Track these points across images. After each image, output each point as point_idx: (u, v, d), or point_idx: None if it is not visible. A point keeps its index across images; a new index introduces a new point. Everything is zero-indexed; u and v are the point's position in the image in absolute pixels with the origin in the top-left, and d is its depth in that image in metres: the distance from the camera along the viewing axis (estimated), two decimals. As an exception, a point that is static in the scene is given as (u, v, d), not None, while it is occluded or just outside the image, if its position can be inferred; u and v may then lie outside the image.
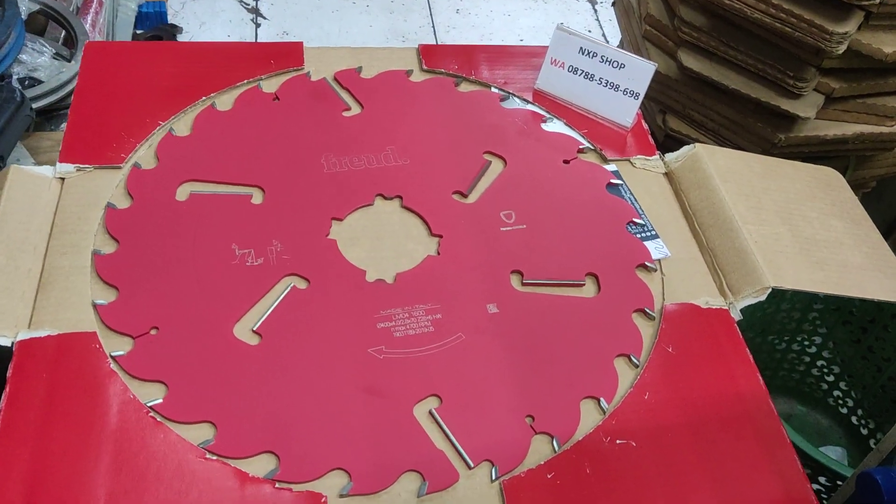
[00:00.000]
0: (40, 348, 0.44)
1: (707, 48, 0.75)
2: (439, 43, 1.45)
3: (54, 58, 0.97)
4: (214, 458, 0.41)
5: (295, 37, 1.42)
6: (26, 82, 0.93)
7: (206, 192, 0.54)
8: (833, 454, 0.83)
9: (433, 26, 1.49)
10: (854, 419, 0.81)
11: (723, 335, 0.50)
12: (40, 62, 0.95)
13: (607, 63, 0.61)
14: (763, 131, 0.75)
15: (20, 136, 0.84)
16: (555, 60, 0.63)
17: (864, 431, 0.80)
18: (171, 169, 0.55)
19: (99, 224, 0.51)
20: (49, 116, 0.94)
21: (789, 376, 0.84)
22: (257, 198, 0.54)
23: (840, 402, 0.82)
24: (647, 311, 0.51)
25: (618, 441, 0.44)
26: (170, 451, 0.41)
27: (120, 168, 0.54)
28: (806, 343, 0.83)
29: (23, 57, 0.93)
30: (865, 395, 0.79)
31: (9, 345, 0.44)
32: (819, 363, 0.82)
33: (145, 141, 0.56)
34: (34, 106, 0.91)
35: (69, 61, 0.97)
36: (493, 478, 0.42)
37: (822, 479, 0.60)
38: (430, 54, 0.67)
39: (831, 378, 0.82)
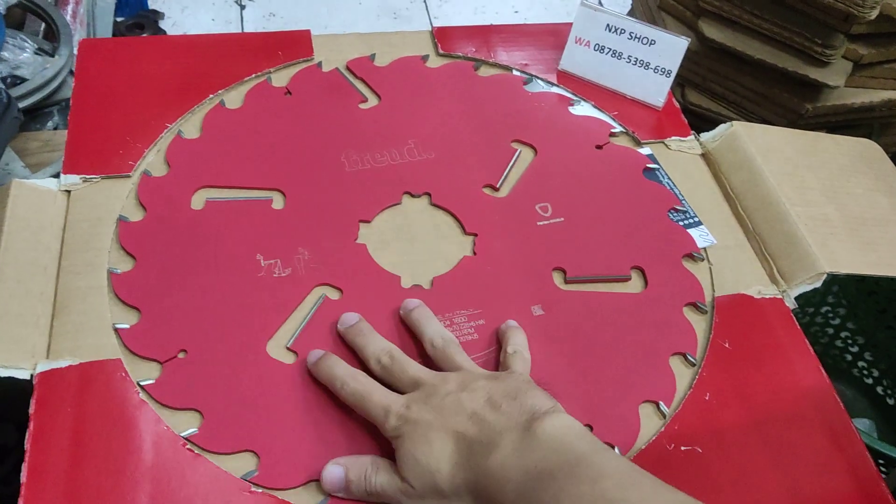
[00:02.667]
0: (62, 380, 0.41)
1: (729, 17, 0.72)
2: (432, 18, 1.40)
3: (37, 53, 0.92)
4: (260, 490, 0.39)
5: (282, 18, 1.37)
6: (8, 80, 0.89)
7: (222, 199, 0.50)
8: (861, 426, 0.82)
9: (424, 1, 1.44)
10: (880, 389, 0.80)
11: (779, 326, 0.48)
12: (23, 59, 0.90)
13: (636, 40, 0.58)
14: (789, 102, 0.72)
15: (10, 139, 0.80)
16: (579, 39, 0.60)
17: (891, 402, 0.79)
18: (183, 175, 0.51)
19: (112, 239, 0.48)
20: (34, 115, 0.90)
21: (812, 348, 0.83)
22: (278, 202, 0.51)
23: (865, 372, 0.81)
24: (699, 304, 0.48)
25: (682, 448, 0.42)
26: (212, 486, 0.39)
27: (129, 177, 0.51)
28: (830, 315, 0.81)
29: (4, 54, 0.88)
30: (891, 365, 0.78)
31: (28, 377, 0.41)
32: (843, 334, 0.81)
33: (153, 145, 0.53)
34: (20, 106, 0.87)
35: (52, 56, 0.92)
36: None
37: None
38: (444, 37, 0.63)
39: (855, 349, 0.80)
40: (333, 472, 0.38)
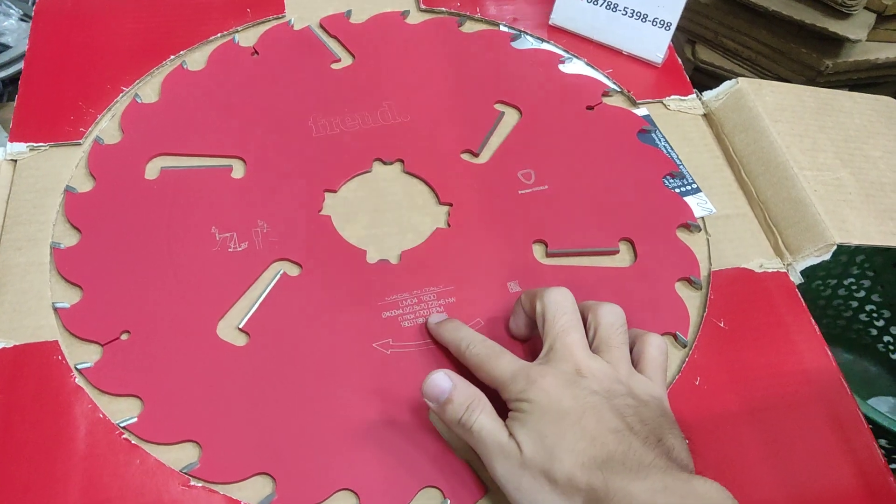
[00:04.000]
0: (-5, 363, 0.38)
1: (742, -34, 0.66)
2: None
3: (22, 20, 0.89)
4: (200, 484, 0.36)
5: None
6: (-7, 48, 0.86)
7: (179, 167, 0.47)
8: (884, 406, 0.78)
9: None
10: (905, 366, 0.75)
11: (782, 303, 0.43)
12: (7, 25, 0.87)
13: (633, -11, 0.53)
14: (807, 58, 0.67)
15: (-12, 108, 0.77)
16: (571, -10, 0.55)
17: (918, 380, 0.74)
18: (138, 142, 0.48)
19: (58, 212, 0.45)
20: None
21: (835, 323, 0.78)
22: (238, 171, 0.47)
23: (891, 347, 0.76)
24: (693, 279, 0.44)
25: (668, 438, 0.38)
26: (148, 478, 0.36)
27: (80, 144, 0.47)
28: (854, 287, 0.76)
29: (-14, 20, 0.86)
30: (917, 341, 0.73)
31: (-42, 361, 0.38)
32: (867, 307, 0.76)
33: (107, 111, 0.49)
34: (2, 74, 0.84)
35: (38, 22, 0.89)
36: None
37: (882, 442, 0.54)
38: (427, -9, 0.59)
39: (881, 323, 0.76)
40: (441, 381, 0.35)
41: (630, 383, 0.35)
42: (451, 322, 0.40)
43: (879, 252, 0.69)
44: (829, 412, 0.40)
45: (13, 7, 0.89)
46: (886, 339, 0.76)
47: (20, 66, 0.83)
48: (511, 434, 0.33)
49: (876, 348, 0.77)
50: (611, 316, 0.38)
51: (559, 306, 0.37)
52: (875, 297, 0.75)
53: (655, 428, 0.34)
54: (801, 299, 0.43)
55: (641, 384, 0.36)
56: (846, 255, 0.72)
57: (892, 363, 0.76)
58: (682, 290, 0.44)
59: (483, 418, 0.34)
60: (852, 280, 0.76)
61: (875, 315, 0.76)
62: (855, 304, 0.77)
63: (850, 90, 0.66)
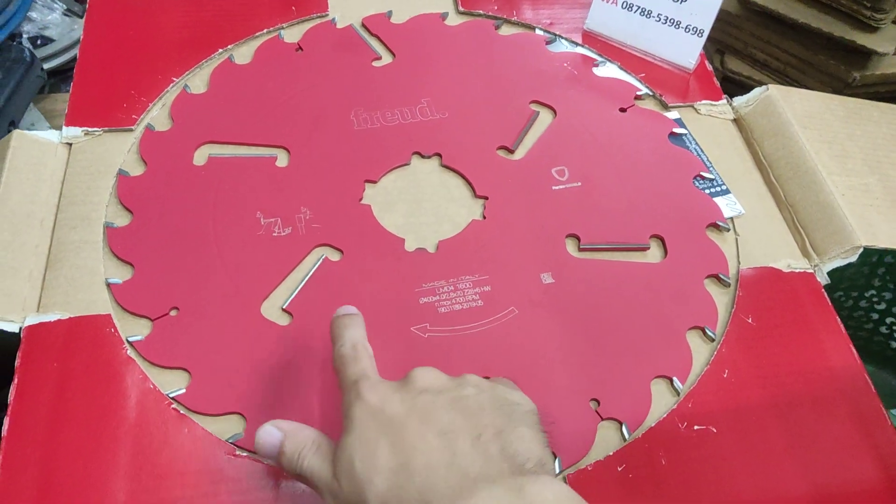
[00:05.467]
0: (50, 334, 0.40)
1: (773, -22, 0.67)
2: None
3: (65, 14, 0.91)
4: (245, 454, 0.37)
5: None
6: (38, 41, 0.88)
7: (225, 155, 0.49)
8: (904, 418, 0.78)
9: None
10: (927, 380, 0.76)
11: (808, 302, 0.45)
12: (51, 19, 0.90)
13: (667, -4, 0.54)
14: (835, 70, 0.68)
15: (32, 98, 0.79)
16: (606, -4, 0.56)
17: (939, 394, 0.74)
18: (187, 130, 0.50)
19: (111, 193, 0.46)
20: (64, 77, 0.90)
21: (856, 335, 0.78)
22: (282, 160, 0.49)
23: (911, 361, 0.77)
24: (722, 276, 0.45)
25: (696, 427, 0.39)
26: (195, 447, 0.37)
27: (132, 131, 0.49)
28: (875, 299, 0.77)
29: (32, 14, 0.88)
30: (938, 353, 0.73)
31: (16, 330, 0.40)
32: (888, 320, 0.76)
33: (158, 100, 0.51)
34: (46, 66, 0.86)
35: (81, 17, 0.92)
36: (556, 472, 0.38)
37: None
38: (466, -6, 0.60)
39: (902, 335, 0.76)
40: (271, 433, 0.33)
41: (468, 378, 0.33)
42: (349, 318, 0.37)
43: (903, 265, 0.70)
44: (853, 409, 0.41)
45: (57, 2, 0.92)
46: (906, 351, 0.76)
47: (64, 58, 0.86)
48: (334, 468, 0.31)
49: (896, 361, 0.77)
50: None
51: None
52: (896, 310, 0.75)
53: (496, 421, 0.31)
54: (828, 299, 0.45)
55: (482, 379, 0.34)
56: (868, 268, 0.73)
57: (913, 377, 0.77)
58: (710, 286, 0.45)
59: (311, 461, 0.31)
60: (873, 292, 0.76)
61: (895, 327, 0.76)
62: (876, 315, 0.77)
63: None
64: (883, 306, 0.76)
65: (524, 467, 0.29)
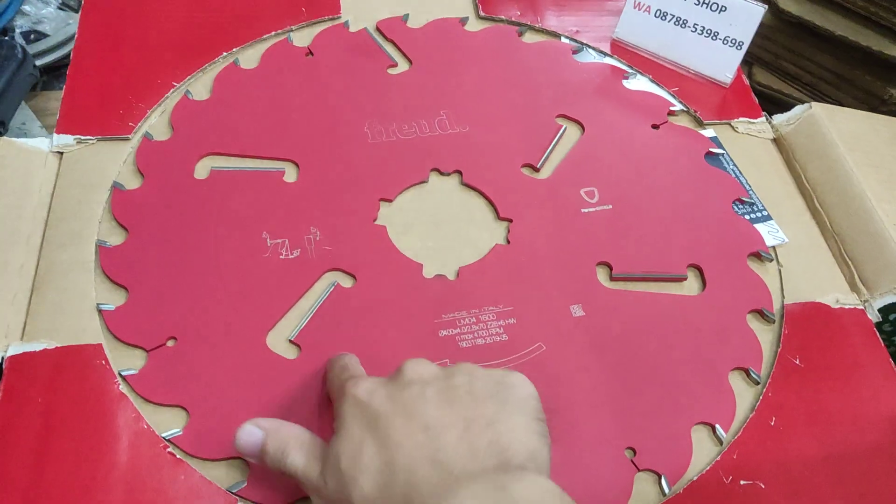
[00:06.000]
0: (35, 365, 0.36)
1: (808, -13, 0.64)
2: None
3: (60, 8, 0.88)
4: (247, 505, 0.34)
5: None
6: (31, 36, 0.85)
7: (229, 169, 0.45)
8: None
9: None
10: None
11: (859, 342, 0.41)
12: (45, 13, 0.86)
13: (704, 5, 0.51)
14: (871, 85, 0.64)
15: (23, 97, 0.75)
16: (638, 3, 0.53)
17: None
18: (187, 140, 0.46)
19: (104, 208, 0.43)
20: (57, 74, 0.86)
21: None
22: (290, 175, 0.45)
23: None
24: (766, 312, 0.42)
25: (742, 482, 0.36)
26: (192, 495, 0.34)
27: (128, 140, 0.46)
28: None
29: (26, 8, 0.84)
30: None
31: (-2, 360, 0.37)
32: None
33: (158, 106, 0.48)
34: (39, 63, 0.82)
35: (77, 12, 0.88)
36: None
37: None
38: (487, -2, 0.57)
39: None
40: (251, 433, 0.32)
41: (462, 366, 0.32)
42: (342, 358, 0.36)
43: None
44: (910, 462, 0.37)
45: (52, -4, 0.88)
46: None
47: (58, 54, 0.82)
48: (321, 465, 0.30)
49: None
50: None
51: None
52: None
53: (487, 408, 0.29)
54: (880, 339, 0.41)
55: (476, 366, 0.32)
56: None
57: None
58: (754, 322, 0.42)
59: (296, 459, 0.31)
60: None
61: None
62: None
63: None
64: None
65: (512, 462, 0.27)
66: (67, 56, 0.84)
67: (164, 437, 0.35)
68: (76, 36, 0.51)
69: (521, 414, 0.30)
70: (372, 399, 0.30)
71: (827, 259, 0.45)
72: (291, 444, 0.32)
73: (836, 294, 0.43)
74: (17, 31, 0.83)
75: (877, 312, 0.42)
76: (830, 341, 0.41)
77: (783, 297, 0.43)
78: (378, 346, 0.39)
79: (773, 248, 0.45)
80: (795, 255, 0.45)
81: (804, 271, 0.44)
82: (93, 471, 0.34)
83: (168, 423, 0.36)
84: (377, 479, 0.28)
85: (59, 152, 0.45)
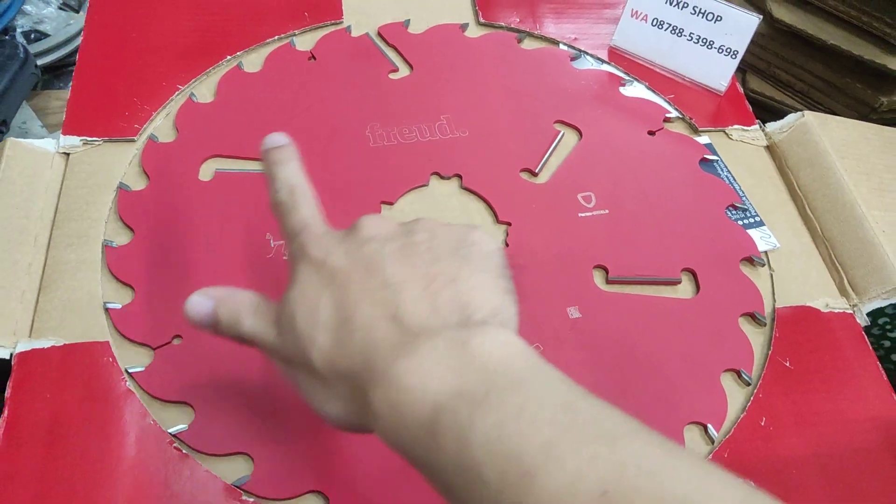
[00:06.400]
0: (44, 362, 0.37)
1: (802, -3, 0.65)
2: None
3: (61, 8, 0.88)
4: (252, 499, 0.34)
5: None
6: (32, 36, 0.85)
7: (234, 171, 0.46)
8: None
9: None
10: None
11: (848, 346, 0.42)
12: (46, 13, 0.86)
13: (700, 15, 0.52)
14: (862, 94, 0.65)
15: (25, 96, 0.76)
16: (636, 12, 0.54)
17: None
18: (192, 142, 0.47)
19: (110, 209, 0.44)
20: (58, 73, 0.86)
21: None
22: (294, 177, 0.46)
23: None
24: (758, 315, 0.43)
25: (733, 480, 0.37)
26: (199, 491, 0.34)
27: (134, 141, 0.47)
28: (888, 326, 0.75)
29: (27, 8, 0.85)
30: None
31: (7, 357, 0.37)
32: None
33: (163, 108, 0.49)
34: (41, 62, 0.83)
35: (77, 12, 0.88)
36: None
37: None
38: (487, 4, 0.58)
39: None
40: (199, 303, 0.31)
41: (421, 222, 0.30)
42: (279, 152, 0.34)
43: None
44: (896, 462, 0.38)
45: (53, -5, 0.89)
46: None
47: (59, 54, 0.83)
48: (277, 326, 0.29)
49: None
50: None
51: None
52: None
53: (449, 266, 0.28)
54: (868, 343, 0.42)
55: (437, 222, 0.31)
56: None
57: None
58: (746, 326, 0.43)
59: (252, 323, 0.30)
60: (886, 319, 0.74)
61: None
62: (887, 343, 0.75)
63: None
64: (895, 334, 0.74)
65: (473, 318, 0.26)
66: (68, 56, 0.85)
67: (170, 433, 0.36)
68: (82, 38, 0.51)
69: (484, 271, 0.28)
70: (328, 258, 0.28)
71: (817, 264, 0.46)
72: (244, 310, 0.30)
73: (826, 298, 0.44)
74: (19, 30, 0.84)
75: (865, 317, 0.43)
76: (820, 345, 0.42)
77: (774, 300, 0.44)
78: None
79: (766, 253, 0.46)
80: (787, 260, 0.46)
81: (795, 276, 0.45)
82: (100, 465, 0.34)
83: (174, 420, 0.36)
84: (335, 336, 0.27)
85: (65, 153, 0.45)
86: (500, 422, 0.22)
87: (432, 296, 0.27)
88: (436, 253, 0.28)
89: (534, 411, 0.22)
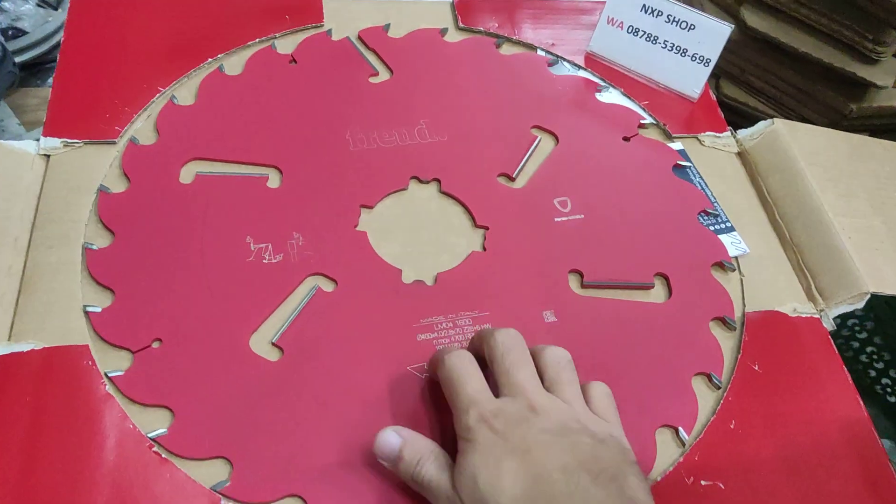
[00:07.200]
0: (23, 365, 0.37)
1: (774, 5, 0.66)
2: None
3: (39, 5, 0.87)
4: (231, 503, 0.35)
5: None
6: (9, 33, 0.84)
7: (214, 174, 0.46)
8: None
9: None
10: (903, 409, 0.76)
11: (814, 350, 0.44)
12: (24, 10, 0.86)
13: (674, 23, 0.53)
14: (833, 100, 0.67)
15: (2, 94, 0.76)
16: (612, 19, 0.55)
17: (914, 423, 0.75)
18: (173, 145, 0.47)
19: (91, 211, 0.44)
20: (35, 70, 0.86)
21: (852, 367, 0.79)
22: (274, 180, 0.47)
23: (889, 390, 0.77)
24: (728, 319, 0.44)
25: (703, 482, 0.38)
26: (177, 494, 0.35)
27: (114, 143, 0.47)
28: (857, 328, 0.77)
29: (5, 5, 0.84)
30: (916, 384, 0.74)
31: (-14, 360, 0.37)
32: (868, 349, 0.76)
33: (143, 111, 0.49)
34: (19, 60, 0.83)
35: (56, 9, 0.88)
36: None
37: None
38: (466, 9, 0.58)
39: (881, 365, 0.76)
40: (390, 440, 0.35)
41: (586, 422, 0.34)
42: (454, 352, 0.37)
43: (885, 297, 0.70)
44: (860, 463, 0.40)
45: (31, -8, 0.88)
46: (885, 381, 0.76)
47: (37, 51, 0.83)
48: (454, 481, 0.33)
49: (874, 390, 0.77)
50: (558, 353, 0.37)
51: (506, 345, 0.36)
52: (877, 340, 0.75)
53: (611, 466, 0.32)
54: (834, 347, 0.44)
55: (598, 423, 0.35)
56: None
57: (890, 406, 0.77)
58: (716, 330, 0.44)
59: (430, 470, 0.33)
60: (855, 321, 0.76)
61: (875, 357, 0.76)
62: (856, 344, 0.77)
63: (871, 135, 0.66)
64: (864, 335, 0.76)
65: None
66: (46, 53, 0.84)
67: (149, 437, 0.36)
68: (62, 39, 0.51)
69: (634, 475, 0.32)
70: (508, 434, 0.33)
71: (786, 269, 0.47)
72: (426, 455, 0.34)
73: (793, 303, 0.45)
74: (-4, 27, 0.83)
75: (832, 321, 0.45)
76: (788, 348, 0.43)
77: (744, 305, 0.45)
78: (358, 349, 0.40)
79: (736, 258, 0.47)
80: (756, 265, 0.47)
81: (764, 281, 0.46)
82: (80, 469, 0.35)
83: (153, 423, 0.37)
84: (514, 502, 0.30)
85: (46, 155, 0.45)
86: None
87: (604, 484, 0.31)
88: (598, 454, 0.33)
89: None
